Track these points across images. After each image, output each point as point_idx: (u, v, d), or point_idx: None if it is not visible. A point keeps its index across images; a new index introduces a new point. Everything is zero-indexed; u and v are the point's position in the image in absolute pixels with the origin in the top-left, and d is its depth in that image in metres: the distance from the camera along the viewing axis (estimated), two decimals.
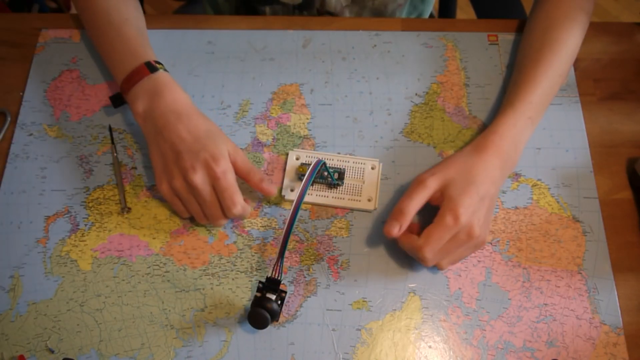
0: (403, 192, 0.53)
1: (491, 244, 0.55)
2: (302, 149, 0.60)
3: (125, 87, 0.56)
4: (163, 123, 0.53)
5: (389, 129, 0.61)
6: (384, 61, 0.64)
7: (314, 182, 0.56)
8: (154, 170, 0.54)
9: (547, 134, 0.60)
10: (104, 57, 0.60)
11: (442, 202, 0.50)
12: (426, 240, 0.49)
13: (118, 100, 0.58)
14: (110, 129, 0.60)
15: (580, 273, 0.54)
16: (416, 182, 0.51)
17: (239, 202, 0.52)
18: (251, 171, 0.54)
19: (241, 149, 0.60)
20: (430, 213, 0.51)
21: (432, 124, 0.61)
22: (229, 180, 0.52)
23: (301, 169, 0.56)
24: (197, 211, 0.53)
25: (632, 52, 0.65)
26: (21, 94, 0.63)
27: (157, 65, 0.56)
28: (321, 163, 0.51)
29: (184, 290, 0.54)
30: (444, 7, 0.96)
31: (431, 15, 0.93)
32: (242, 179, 0.55)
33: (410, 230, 0.52)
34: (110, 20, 0.59)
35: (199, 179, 0.51)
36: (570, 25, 0.59)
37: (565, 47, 0.58)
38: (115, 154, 0.59)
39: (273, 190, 0.55)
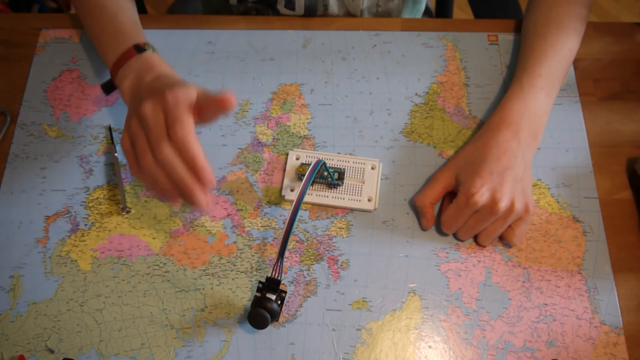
0: (402, 192, 0.54)
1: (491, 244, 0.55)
2: (302, 149, 0.60)
3: (114, 70, 0.55)
4: (146, 91, 0.48)
5: (389, 129, 0.61)
6: (384, 61, 0.64)
7: (314, 182, 0.56)
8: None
9: (547, 134, 0.60)
10: (95, 44, 0.59)
11: (458, 188, 0.53)
12: (443, 219, 0.54)
13: (109, 87, 0.58)
14: (110, 129, 0.60)
15: (580, 273, 0.54)
16: (430, 179, 0.56)
17: (185, 121, 0.43)
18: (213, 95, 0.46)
19: (241, 148, 0.60)
20: None
21: (432, 123, 0.61)
22: (180, 106, 0.44)
23: (301, 169, 0.56)
24: (142, 146, 0.45)
25: (632, 52, 0.65)
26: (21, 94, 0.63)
27: (146, 47, 0.55)
28: (321, 163, 0.51)
29: (184, 290, 0.54)
30: (441, 7, 0.96)
31: (430, 14, 0.93)
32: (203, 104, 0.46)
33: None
34: (104, 7, 0.58)
35: (149, 109, 0.44)
36: (574, 1, 0.60)
37: (572, 20, 0.59)
38: (115, 154, 0.59)
39: (232, 98, 0.45)
